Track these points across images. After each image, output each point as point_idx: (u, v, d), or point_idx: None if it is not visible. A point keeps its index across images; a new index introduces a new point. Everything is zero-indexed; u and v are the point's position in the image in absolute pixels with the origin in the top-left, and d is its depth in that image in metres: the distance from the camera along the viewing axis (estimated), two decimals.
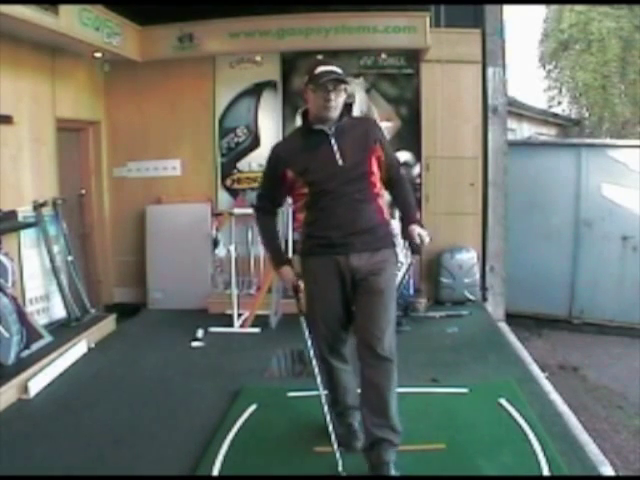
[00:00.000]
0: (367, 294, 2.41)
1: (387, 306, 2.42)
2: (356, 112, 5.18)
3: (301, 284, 2.57)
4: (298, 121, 5.43)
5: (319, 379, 2.62)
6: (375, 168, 2.49)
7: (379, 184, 2.52)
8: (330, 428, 2.52)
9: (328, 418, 2.58)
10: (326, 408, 2.61)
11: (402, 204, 2.61)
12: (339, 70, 2.39)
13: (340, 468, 2.41)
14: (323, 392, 2.64)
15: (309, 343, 2.59)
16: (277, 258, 2.63)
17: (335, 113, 2.42)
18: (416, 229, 2.45)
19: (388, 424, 2.36)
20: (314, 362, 2.61)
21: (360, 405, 2.51)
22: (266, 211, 2.67)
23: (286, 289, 5.13)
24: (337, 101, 2.39)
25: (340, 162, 2.41)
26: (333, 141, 2.43)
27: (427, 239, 2.45)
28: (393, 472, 2.33)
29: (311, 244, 2.49)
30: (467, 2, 5.39)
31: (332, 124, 2.44)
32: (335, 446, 2.47)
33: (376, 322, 2.37)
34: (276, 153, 2.54)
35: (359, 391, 2.49)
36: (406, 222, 2.54)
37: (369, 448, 2.40)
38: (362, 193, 2.43)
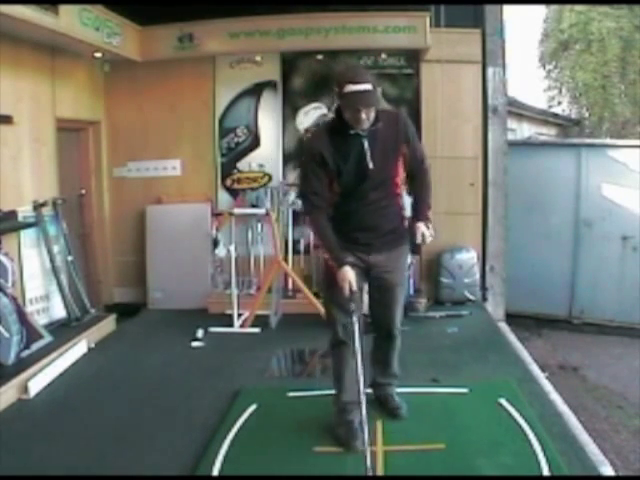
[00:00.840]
0: (383, 289, 2.75)
1: (399, 297, 2.83)
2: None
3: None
4: (298, 121, 5.45)
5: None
6: (400, 169, 2.65)
7: (401, 183, 2.68)
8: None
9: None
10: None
11: (417, 198, 2.79)
12: (369, 87, 2.41)
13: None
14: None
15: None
16: (339, 258, 2.57)
17: (367, 124, 2.48)
18: (421, 227, 2.67)
19: (388, 373, 2.99)
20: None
21: (370, 361, 2.91)
22: (321, 209, 2.60)
23: (287, 289, 5.18)
24: (369, 115, 2.46)
25: (371, 165, 2.52)
26: (366, 145, 2.52)
27: (429, 239, 2.63)
28: (396, 399, 2.96)
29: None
30: (467, 2, 5.39)
31: (366, 129, 2.51)
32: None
33: (390, 311, 2.81)
34: (317, 149, 2.55)
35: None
36: (415, 217, 2.71)
37: (376, 386, 2.98)
38: (387, 196, 2.63)
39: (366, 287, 2.79)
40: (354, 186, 2.54)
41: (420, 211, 2.75)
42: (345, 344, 2.71)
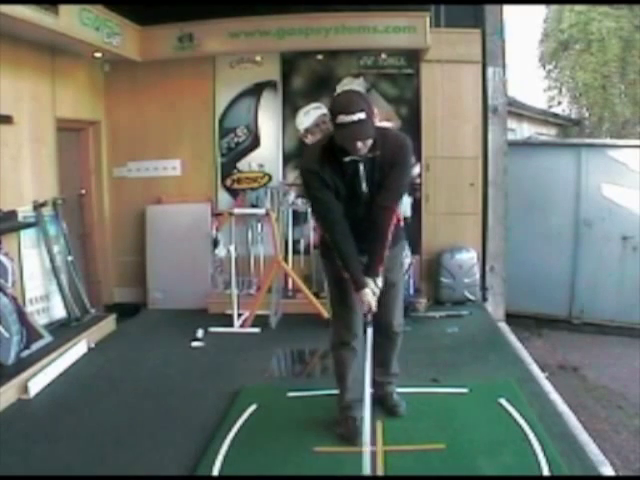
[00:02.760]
0: (383, 287, 2.66)
1: (398, 295, 2.90)
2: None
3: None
4: (298, 121, 5.44)
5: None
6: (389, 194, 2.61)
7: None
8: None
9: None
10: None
11: (371, 248, 2.59)
12: (363, 116, 2.32)
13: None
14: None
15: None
16: (359, 282, 2.55)
17: (364, 151, 2.44)
18: (367, 295, 2.54)
19: (388, 372, 3.01)
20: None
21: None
22: (344, 229, 2.54)
23: (287, 289, 5.19)
24: (365, 144, 2.40)
25: (365, 189, 2.52)
26: (362, 170, 2.50)
27: (374, 309, 2.56)
28: (395, 397, 3.00)
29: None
30: (467, 2, 5.39)
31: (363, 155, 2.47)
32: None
33: (390, 309, 2.82)
34: (315, 171, 2.49)
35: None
36: (365, 272, 2.57)
37: (375, 384, 2.91)
38: (379, 219, 2.59)
39: None
40: (350, 207, 2.53)
41: (370, 266, 2.58)
42: (347, 345, 2.72)
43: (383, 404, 2.98)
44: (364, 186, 2.51)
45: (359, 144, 2.38)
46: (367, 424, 2.38)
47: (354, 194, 2.52)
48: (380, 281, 2.60)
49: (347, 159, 2.45)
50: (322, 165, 2.49)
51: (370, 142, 2.43)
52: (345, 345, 2.75)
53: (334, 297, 2.81)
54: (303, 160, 2.68)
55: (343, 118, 2.33)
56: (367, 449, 2.32)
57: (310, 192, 2.55)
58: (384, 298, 2.73)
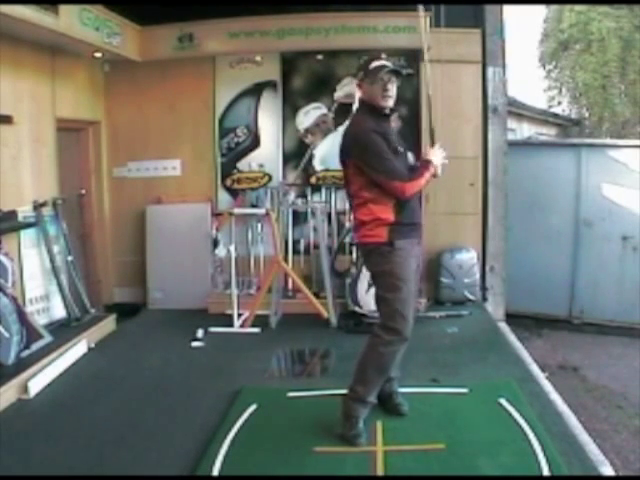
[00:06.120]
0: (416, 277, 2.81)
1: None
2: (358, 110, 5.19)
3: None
4: (298, 121, 5.44)
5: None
6: None
7: None
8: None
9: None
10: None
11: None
12: (391, 65, 2.68)
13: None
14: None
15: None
16: (423, 166, 2.77)
17: (391, 102, 2.68)
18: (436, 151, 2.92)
19: (397, 366, 2.93)
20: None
21: None
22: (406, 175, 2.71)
23: (287, 289, 5.18)
24: (392, 91, 2.67)
25: (400, 149, 2.74)
26: (394, 127, 2.80)
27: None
28: (399, 396, 2.99)
29: (406, 230, 2.70)
30: (467, 2, 5.39)
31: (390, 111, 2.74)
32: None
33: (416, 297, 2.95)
34: (380, 132, 2.67)
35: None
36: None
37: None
38: None
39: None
40: (404, 168, 2.69)
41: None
42: (406, 341, 2.70)
43: (386, 402, 2.98)
44: (398, 145, 2.71)
45: (389, 86, 2.62)
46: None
47: (402, 153, 2.74)
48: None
49: (385, 111, 2.68)
50: (378, 127, 2.67)
51: (395, 92, 2.67)
52: (405, 341, 2.70)
53: (404, 294, 2.67)
54: (360, 126, 2.73)
55: (377, 62, 2.66)
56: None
57: (383, 147, 2.65)
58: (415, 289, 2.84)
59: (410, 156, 2.87)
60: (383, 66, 2.64)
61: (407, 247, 2.68)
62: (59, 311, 4.49)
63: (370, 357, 2.71)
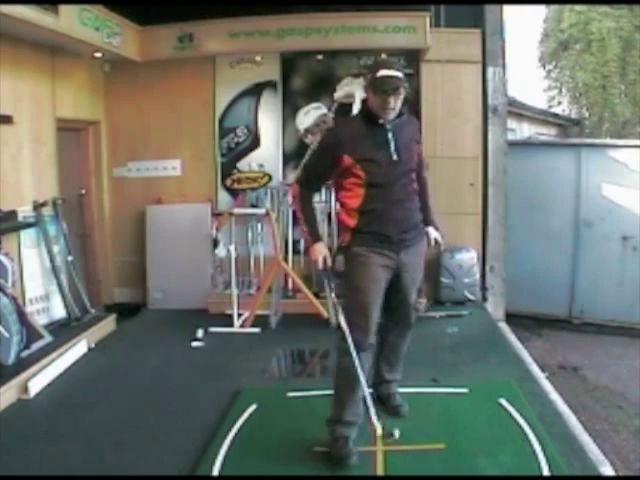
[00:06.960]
0: (407, 286, 2.74)
1: (415, 292, 2.89)
2: (355, 112, 5.19)
3: (334, 262, 2.68)
4: (298, 121, 5.44)
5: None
6: (416, 166, 2.73)
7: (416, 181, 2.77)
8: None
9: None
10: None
11: (423, 204, 2.85)
12: (399, 74, 2.54)
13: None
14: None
15: (346, 335, 2.55)
16: (315, 234, 2.70)
17: (393, 114, 2.57)
18: (432, 233, 2.89)
19: (397, 369, 3.03)
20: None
21: (379, 359, 2.95)
22: (312, 188, 2.77)
23: (287, 289, 5.18)
24: (396, 104, 2.55)
25: (395, 157, 2.58)
26: (390, 136, 2.58)
27: (441, 241, 2.90)
28: (398, 398, 3.00)
29: (367, 238, 2.60)
30: (467, 2, 5.39)
31: (391, 120, 2.59)
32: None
33: (409, 306, 2.86)
34: (337, 136, 2.64)
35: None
36: (424, 223, 2.83)
37: (379, 383, 3.02)
38: (409, 192, 2.68)
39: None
40: (380, 175, 2.55)
41: (427, 218, 2.88)
42: (364, 355, 2.59)
43: (386, 404, 2.98)
44: (393, 151, 2.57)
45: (391, 100, 2.50)
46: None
47: (385, 160, 2.57)
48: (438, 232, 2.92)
49: (380, 121, 2.56)
50: (351, 129, 2.62)
51: (399, 105, 2.56)
52: (349, 353, 2.54)
53: (353, 302, 2.62)
54: (336, 123, 2.87)
55: (383, 72, 2.53)
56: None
57: (322, 149, 2.71)
58: (407, 297, 2.80)
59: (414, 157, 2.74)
60: (390, 79, 2.49)
61: (367, 254, 2.57)
62: (59, 311, 4.50)
63: (335, 369, 2.70)
